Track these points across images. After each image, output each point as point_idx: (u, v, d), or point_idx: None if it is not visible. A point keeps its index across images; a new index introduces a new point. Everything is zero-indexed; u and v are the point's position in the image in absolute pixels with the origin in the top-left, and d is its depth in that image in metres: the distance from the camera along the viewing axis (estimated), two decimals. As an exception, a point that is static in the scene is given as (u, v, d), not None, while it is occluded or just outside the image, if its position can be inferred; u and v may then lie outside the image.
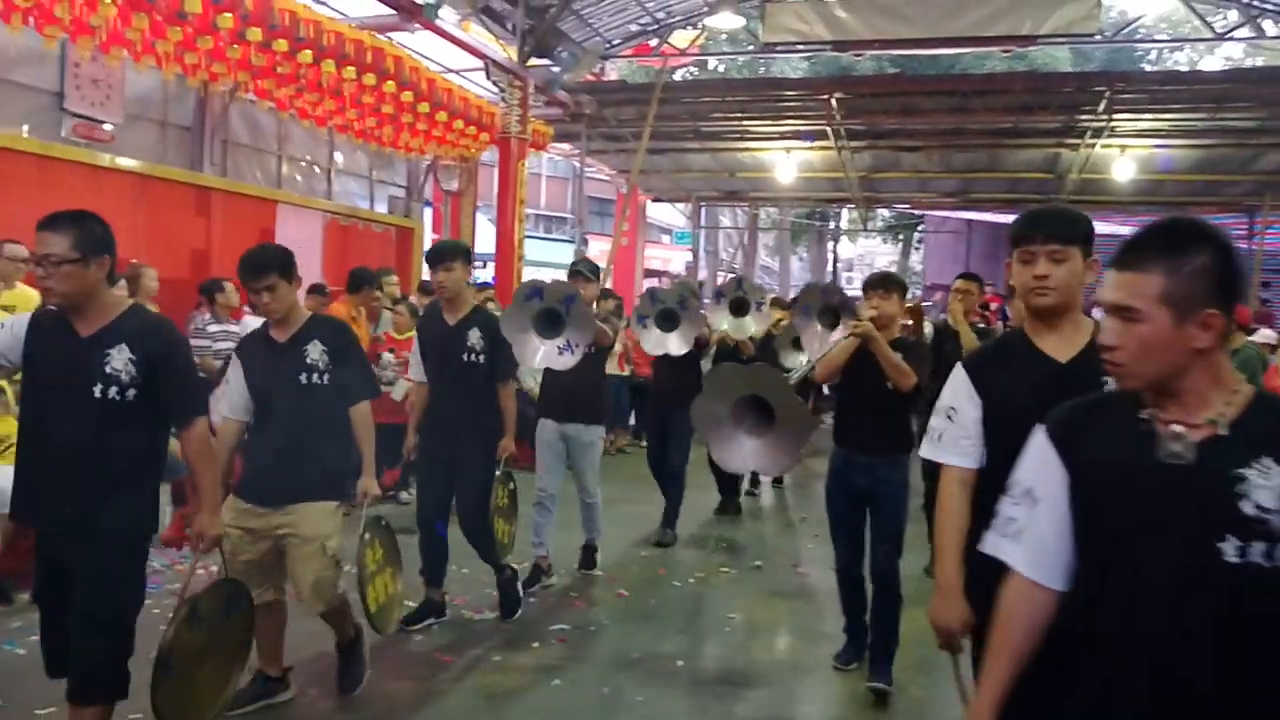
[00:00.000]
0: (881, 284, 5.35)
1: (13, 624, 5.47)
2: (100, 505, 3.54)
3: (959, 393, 3.08)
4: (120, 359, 3.53)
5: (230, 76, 9.83)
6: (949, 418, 3.09)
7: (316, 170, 14.03)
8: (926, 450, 3.20)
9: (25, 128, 9.23)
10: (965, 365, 3.13)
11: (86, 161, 9.08)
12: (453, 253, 5.85)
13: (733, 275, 11.39)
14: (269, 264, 4.38)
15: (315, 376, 4.47)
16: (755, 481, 10.57)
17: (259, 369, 4.57)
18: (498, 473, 6.01)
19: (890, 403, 5.18)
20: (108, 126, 10.14)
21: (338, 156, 14.30)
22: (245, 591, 4.23)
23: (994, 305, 20.55)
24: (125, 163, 9.54)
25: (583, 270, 7.02)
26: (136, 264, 8.12)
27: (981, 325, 7.63)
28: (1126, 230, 22.16)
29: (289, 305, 4.50)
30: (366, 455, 4.82)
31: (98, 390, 3.51)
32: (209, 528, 3.89)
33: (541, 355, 5.89)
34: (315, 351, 4.48)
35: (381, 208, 15.16)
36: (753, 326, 8.39)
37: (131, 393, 3.54)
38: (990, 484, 2.77)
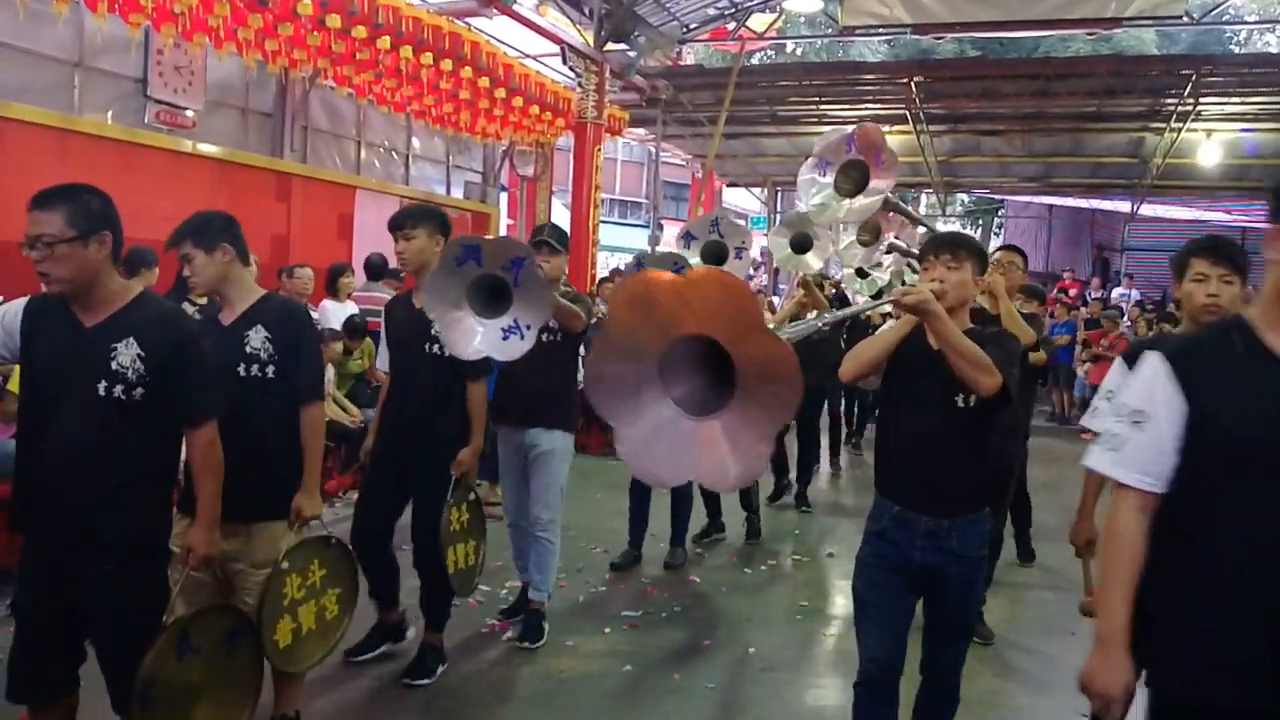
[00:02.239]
0: (949, 246, 3.54)
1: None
2: (102, 515, 3.15)
3: (1155, 391, 2.33)
4: (128, 354, 3.16)
5: (310, 63, 9.97)
6: (1137, 423, 2.34)
7: (394, 156, 14.14)
8: (1102, 462, 2.42)
9: (109, 114, 9.41)
10: (1170, 356, 2.35)
11: (169, 148, 9.21)
12: (415, 217, 4.80)
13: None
14: (182, 233, 3.76)
15: (256, 368, 3.77)
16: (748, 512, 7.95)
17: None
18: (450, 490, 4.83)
19: (967, 423, 3.42)
20: (190, 113, 10.29)
21: (415, 142, 14.41)
22: (249, 624, 3.63)
23: (1072, 292, 20.28)
24: (207, 149, 9.68)
25: (548, 239, 5.38)
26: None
27: (1023, 312, 5.86)
28: (1212, 216, 21.55)
29: (211, 280, 3.79)
30: (308, 467, 3.93)
31: (102, 388, 3.13)
32: (202, 545, 3.39)
33: (480, 340, 4.45)
34: (257, 339, 3.78)
35: (458, 193, 15.25)
36: None
37: (139, 391, 3.17)
38: (1173, 516, 2.33)
